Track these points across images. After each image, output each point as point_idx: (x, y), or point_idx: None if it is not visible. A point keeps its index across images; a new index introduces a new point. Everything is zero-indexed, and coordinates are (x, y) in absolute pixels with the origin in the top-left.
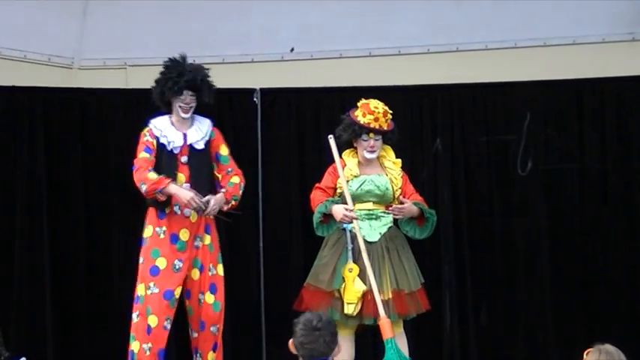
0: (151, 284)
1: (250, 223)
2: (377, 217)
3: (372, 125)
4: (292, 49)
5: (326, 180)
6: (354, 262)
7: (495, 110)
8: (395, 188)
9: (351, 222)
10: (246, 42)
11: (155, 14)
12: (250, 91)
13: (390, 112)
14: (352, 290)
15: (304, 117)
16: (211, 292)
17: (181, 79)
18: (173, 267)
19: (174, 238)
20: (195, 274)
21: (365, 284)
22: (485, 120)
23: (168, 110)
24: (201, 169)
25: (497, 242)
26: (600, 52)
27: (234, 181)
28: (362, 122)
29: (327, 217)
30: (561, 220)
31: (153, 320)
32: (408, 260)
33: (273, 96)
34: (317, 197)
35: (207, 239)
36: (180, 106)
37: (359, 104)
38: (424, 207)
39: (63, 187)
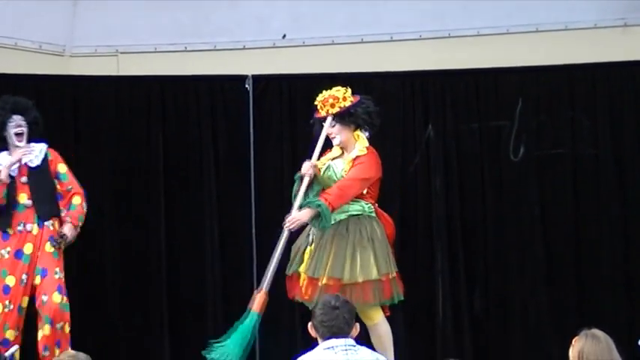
0: (7, 302)
1: (243, 210)
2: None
3: (319, 114)
4: (284, 36)
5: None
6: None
7: (487, 96)
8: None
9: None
10: (237, 29)
11: (146, 1)
12: (242, 78)
13: (339, 95)
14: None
15: (296, 104)
16: (59, 293)
17: (7, 106)
18: (21, 282)
19: (20, 254)
20: (38, 279)
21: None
22: (477, 106)
23: (4, 146)
24: (42, 186)
25: (490, 228)
26: (592, 37)
27: (75, 203)
28: (316, 115)
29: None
30: (554, 205)
31: (11, 334)
32: (362, 251)
33: (265, 83)
34: None
35: (51, 248)
36: (14, 133)
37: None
38: (314, 201)
39: None
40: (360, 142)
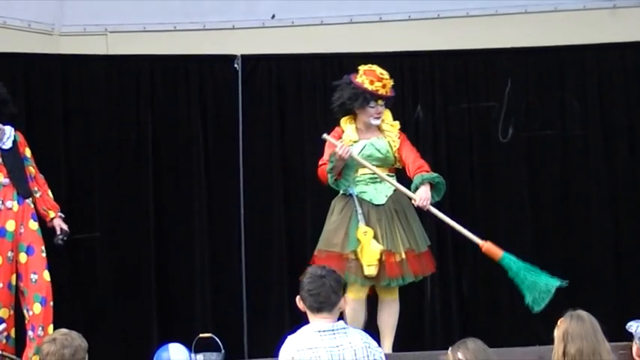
0: None
1: (232, 189)
2: (382, 181)
3: (380, 92)
4: (273, 16)
5: (327, 153)
6: (366, 225)
7: (476, 77)
8: (394, 150)
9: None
10: (227, 9)
11: None
12: (231, 58)
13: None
14: (371, 252)
15: (285, 83)
16: (48, 270)
17: None
18: (7, 259)
19: (2, 232)
20: (23, 257)
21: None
22: (467, 87)
23: None
24: (16, 166)
25: (479, 209)
26: (581, 19)
27: (50, 195)
28: (371, 89)
29: (339, 172)
30: (543, 185)
31: (4, 312)
32: (415, 221)
33: (254, 62)
34: (322, 169)
35: (35, 225)
36: None
37: (361, 71)
38: (429, 176)
39: (44, 153)
40: (389, 117)
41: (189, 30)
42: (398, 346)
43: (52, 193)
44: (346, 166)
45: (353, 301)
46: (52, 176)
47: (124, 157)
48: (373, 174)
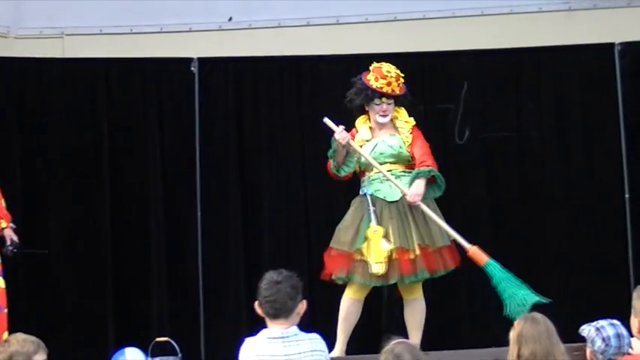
0: None
1: (189, 192)
2: (396, 177)
3: (384, 90)
4: (230, 19)
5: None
6: (378, 224)
7: (433, 79)
8: (406, 146)
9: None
10: (184, 11)
11: None
12: (188, 61)
13: (402, 75)
14: (379, 250)
15: (242, 86)
16: (2, 276)
17: None
18: None
19: None
20: None
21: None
22: (423, 89)
23: None
24: None
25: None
26: (537, 21)
27: (3, 204)
28: (374, 86)
29: (342, 159)
30: (499, 186)
31: None
32: (420, 208)
33: (211, 65)
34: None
35: None
36: None
37: (371, 68)
38: (423, 170)
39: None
40: (404, 114)
41: (146, 33)
42: (357, 346)
43: (7, 200)
44: (348, 154)
45: (350, 299)
46: (7, 181)
47: (80, 159)
48: (388, 171)
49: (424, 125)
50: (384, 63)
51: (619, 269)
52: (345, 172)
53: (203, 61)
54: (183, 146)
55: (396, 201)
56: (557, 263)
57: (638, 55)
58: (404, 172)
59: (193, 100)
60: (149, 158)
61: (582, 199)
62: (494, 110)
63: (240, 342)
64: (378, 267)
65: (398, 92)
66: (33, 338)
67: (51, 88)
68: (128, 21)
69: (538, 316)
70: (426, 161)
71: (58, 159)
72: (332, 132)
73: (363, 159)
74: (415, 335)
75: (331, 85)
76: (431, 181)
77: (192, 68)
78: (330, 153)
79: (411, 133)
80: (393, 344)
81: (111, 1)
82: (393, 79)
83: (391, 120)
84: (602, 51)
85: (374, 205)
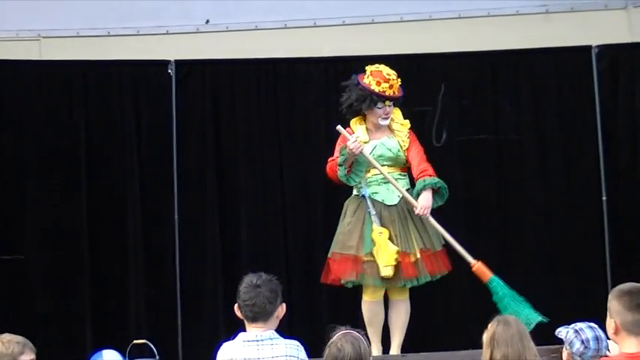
0: None
1: (166, 194)
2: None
3: (387, 93)
4: (207, 21)
5: (337, 150)
6: (381, 225)
7: (410, 82)
8: (404, 149)
9: (358, 148)
10: (161, 14)
11: None
12: (165, 63)
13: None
14: (388, 252)
15: (219, 88)
16: None
17: None
18: None
19: None
20: None
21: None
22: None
23: None
24: None
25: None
26: (514, 24)
27: None
28: (378, 91)
29: (349, 167)
30: (477, 189)
31: None
32: (429, 222)
33: (188, 68)
34: (332, 164)
35: None
36: None
37: (368, 71)
38: (431, 181)
39: None
40: (399, 116)
41: (123, 35)
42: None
43: None
44: (356, 162)
45: (369, 302)
46: None
47: (57, 163)
48: (387, 170)
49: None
50: (381, 65)
51: (596, 271)
52: (356, 181)
53: (180, 64)
54: (160, 148)
55: (395, 204)
56: (534, 265)
57: (615, 58)
58: (400, 175)
59: (170, 103)
60: (126, 160)
61: (559, 201)
62: (472, 113)
63: (218, 345)
64: (387, 270)
65: (399, 94)
66: (19, 338)
67: (28, 90)
68: (105, 24)
69: (510, 318)
70: (428, 170)
71: (35, 162)
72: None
73: (360, 161)
74: (397, 336)
75: (308, 87)
76: (434, 191)
77: (169, 71)
78: (339, 160)
79: (408, 137)
80: (337, 337)
81: (88, 4)
82: (395, 82)
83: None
84: (579, 54)
85: (373, 207)
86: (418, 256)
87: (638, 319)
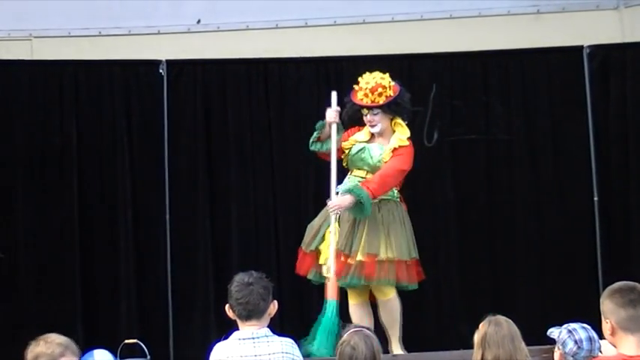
0: None
1: (157, 194)
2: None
3: (364, 101)
4: (199, 21)
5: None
6: (338, 222)
7: (401, 82)
8: (384, 161)
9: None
10: (152, 14)
11: None
12: (156, 63)
13: (387, 84)
14: (326, 251)
15: (211, 88)
16: None
17: None
18: None
19: None
20: None
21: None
22: None
23: None
24: None
25: None
26: (505, 24)
27: None
28: (355, 100)
29: (325, 137)
30: (468, 189)
31: None
32: (395, 232)
33: (179, 68)
34: None
35: None
36: None
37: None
38: (353, 187)
39: None
40: (402, 132)
41: (114, 35)
42: None
43: None
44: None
45: (353, 305)
46: None
47: (48, 164)
48: (362, 178)
49: None
50: (366, 74)
51: (587, 272)
52: (315, 148)
53: (171, 64)
54: (151, 148)
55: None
56: (525, 265)
57: (606, 58)
58: (351, 186)
59: (162, 103)
60: (117, 160)
61: (550, 201)
62: (463, 113)
63: (210, 345)
64: (324, 268)
65: (380, 102)
66: (62, 340)
67: (19, 90)
68: (96, 23)
69: (502, 319)
70: (371, 182)
71: (26, 161)
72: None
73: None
74: (393, 333)
75: (299, 87)
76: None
77: (161, 70)
78: (317, 125)
79: (392, 151)
80: (349, 335)
81: (79, 4)
82: (369, 91)
83: (394, 132)
84: (570, 54)
85: None
86: (358, 259)
87: (633, 315)
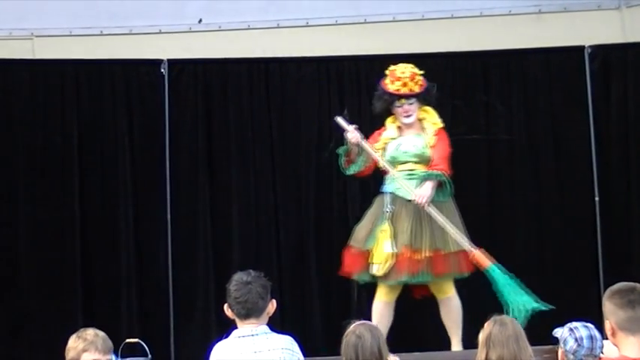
0: None
1: (158, 194)
2: (418, 178)
3: (401, 91)
4: (200, 20)
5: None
6: (394, 222)
7: None
8: (429, 147)
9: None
10: (153, 13)
11: None
12: (158, 63)
13: (420, 72)
14: (379, 251)
15: (212, 88)
16: None
17: None
18: None
19: None
20: None
21: (396, 247)
22: None
23: None
24: None
25: None
26: (507, 24)
27: None
28: (391, 90)
29: (354, 157)
30: (468, 188)
31: None
32: (455, 223)
33: (180, 67)
34: None
35: None
36: None
37: (387, 72)
38: (431, 173)
39: None
40: (433, 116)
41: (115, 34)
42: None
43: None
44: (361, 153)
45: (378, 302)
46: None
47: (49, 163)
48: (410, 170)
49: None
50: (399, 65)
51: (588, 272)
52: (353, 170)
53: (173, 63)
54: (152, 148)
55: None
56: (526, 266)
57: (608, 58)
58: (427, 172)
59: (163, 102)
60: (118, 159)
61: (552, 201)
62: (464, 113)
63: (211, 345)
64: (376, 268)
65: (417, 90)
66: (90, 336)
67: (20, 89)
68: (98, 23)
69: (507, 319)
70: (439, 165)
71: (28, 160)
72: (343, 131)
73: (388, 157)
74: (454, 333)
75: (300, 87)
76: (440, 185)
77: (162, 70)
78: (340, 150)
79: (435, 135)
80: (354, 326)
81: (80, 3)
82: (408, 79)
83: (420, 120)
84: (572, 54)
85: (393, 203)
86: (427, 254)
87: (632, 316)
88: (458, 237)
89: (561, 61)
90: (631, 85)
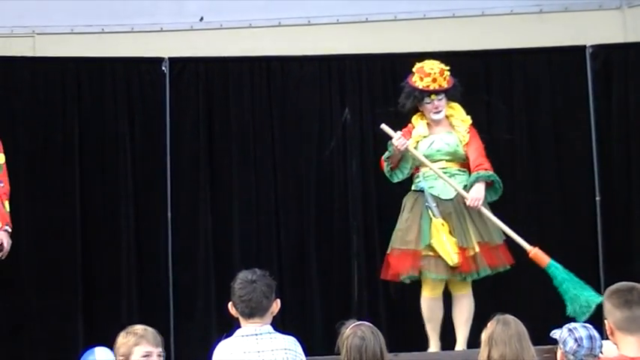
0: None
1: (159, 192)
2: (451, 175)
3: (431, 87)
4: (202, 19)
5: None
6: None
7: (403, 80)
8: (463, 144)
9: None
10: (155, 11)
11: None
12: (159, 61)
13: (447, 68)
14: (452, 240)
15: (213, 86)
16: None
17: None
18: None
19: None
20: None
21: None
22: (394, 90)
23: None
24: None
25: None
26: (508, 23)
27: (7, 207)
28: (421, 87)
29: (396, 163)
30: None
31: None
32: (489, 216)
33: (182, 65)
34: (382, 160)
35: None
36: None
37: (414, 69)
38: (484, 174)
39: None
40: (461, 112)
41: (117, 32)
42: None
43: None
44: (403, 158)
45: (428, 299)
46: None
47: (50, 160)
48: (443, 168)
49: (395, 126)
50: (426, 61)
51: (589, 271)
52: (399, 178)
53: (174, 61)
54: (153, 146)
55: (451, 199)
56: (527, 265)
57: (609, 58)
58: (459, 170)
59: (164, 100)
60: (119, 158)
61: (553, 201)
62: (465, 112)
63: (211, 342)
64: (455, 257)
65: (445, 86)
66: (140, 330)
67: (21, 87)
68: (99, 20)
69: (510, 318)
70: (484, 164)
71: (28, 158)
72: (389, 137)
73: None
74: (462, 331)
75: (302, 85)
76: (487, 185)
77: (163, 68)
78: (385, 156)
79: (468, 132)
80: (354, 326)
81: (82, 1)
82: (437, 75)
83: (447, 117)
84: (573, 53)
85: (433, 199)
86: (477, 249)
87: (629, 316)
88: (515, 236)
89: (563, 60)
90: (632, 84)
